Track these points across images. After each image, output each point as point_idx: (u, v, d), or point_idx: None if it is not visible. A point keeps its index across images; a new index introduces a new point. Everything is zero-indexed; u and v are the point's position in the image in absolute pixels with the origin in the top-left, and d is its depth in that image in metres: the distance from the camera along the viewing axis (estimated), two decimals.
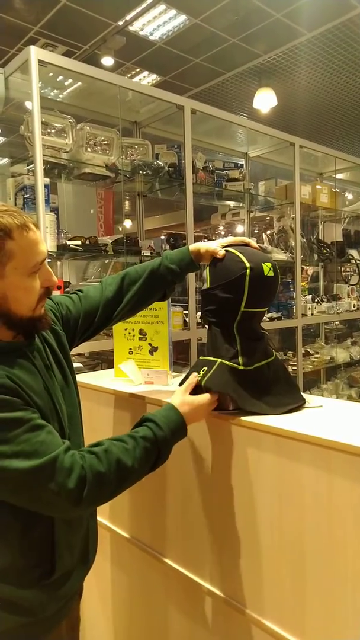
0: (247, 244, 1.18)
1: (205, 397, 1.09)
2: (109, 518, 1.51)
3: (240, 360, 1.12)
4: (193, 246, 1.20)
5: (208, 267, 1.18)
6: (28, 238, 0.89)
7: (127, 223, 5.11)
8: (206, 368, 1.13)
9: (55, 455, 0.84)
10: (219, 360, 1.13)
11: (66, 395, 1.04)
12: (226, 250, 1.15)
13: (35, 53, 1.96)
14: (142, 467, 0.93)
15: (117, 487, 0.90)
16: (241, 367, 1.11)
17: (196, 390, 1.12)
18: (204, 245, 1.19)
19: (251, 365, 1.13)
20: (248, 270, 1.09)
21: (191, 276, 2.57)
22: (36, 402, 0.92)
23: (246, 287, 1.09)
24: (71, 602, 1.06)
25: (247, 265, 1.09)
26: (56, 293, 1.14)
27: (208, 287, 1.16)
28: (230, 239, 1.19)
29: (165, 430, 0.97)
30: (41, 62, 1.99)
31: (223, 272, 1.13)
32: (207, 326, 1.22)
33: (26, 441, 0.83)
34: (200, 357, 1.20)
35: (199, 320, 2.60)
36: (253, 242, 1.19)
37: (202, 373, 1.13)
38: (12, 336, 0.95)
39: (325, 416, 1.09)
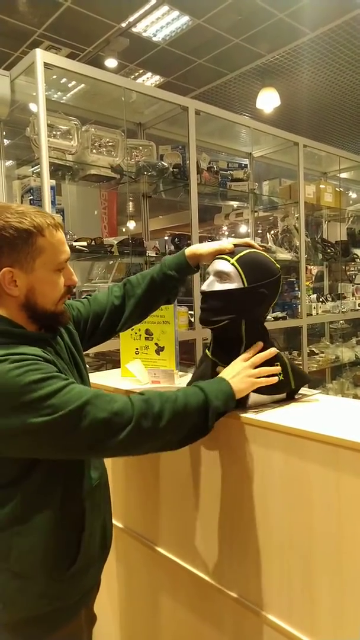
0: (250, 246, 1.21)
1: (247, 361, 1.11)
2: (119, 518, 1.52)
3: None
4: (190, 250, 1.24)
5: (238, 265, 1.15)
6: (57, 237, 0.97)
7: (131, 224, 5.12)
8: (278, 364, 1.16)
9: (96, 390, 0.90)
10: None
11: None
12: (254, 251, 1.20)
13: (41, 56, 1.98)
14: (189, 406, 0.94)
15: (164, 415, 0.91)
16: None
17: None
18: (205, 248, 1.21)
19: None
20: (280, 270, 1.20)
21: (196, 276, 2.58)
22: None
23: (281, 285, 1.21)
24: (90, 591, 1.10)
25: (279, 266, 1.20)
26: None
27: (247, 285, 1.14)
28: (235, 240, 1.21)
29: (209, 387, 1.01)
30: (47, 65, 2.01)
31: (265, 272, 1.17)
32: (236, 326, 1.17)
33: (69, 392, 0.87)
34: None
35: None
36: (255, 243, 1.22)
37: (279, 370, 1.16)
38: (36, 329, 1.01)
39: (332, 414, 1.09)
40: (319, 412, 1.11)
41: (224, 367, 1.18)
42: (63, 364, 1.03)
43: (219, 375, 1.08)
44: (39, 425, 0.83)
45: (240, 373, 1.07)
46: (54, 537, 0.96)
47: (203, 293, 1.19)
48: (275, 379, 1.13)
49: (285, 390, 1.18)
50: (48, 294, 0.97)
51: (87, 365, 2.34)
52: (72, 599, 1.01)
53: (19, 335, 0.95)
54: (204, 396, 0.97)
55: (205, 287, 1.18)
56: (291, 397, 1.21)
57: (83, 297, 1.27)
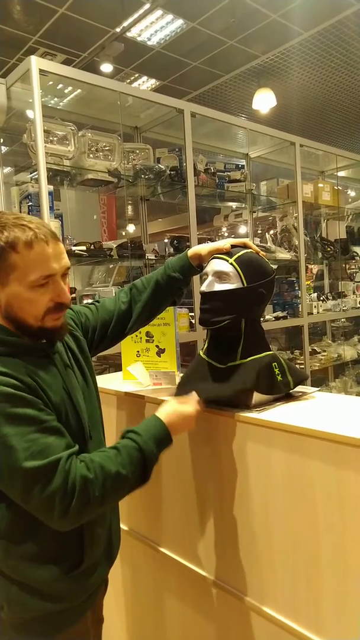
0: (247, 246, 1.22)
1: (192, 404, 1.10)
2: (123, 521, 1.52)
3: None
4: (192, 251, 1.26)
5: (237, 265, 1.16)
6: (34, 253, 0.90)
7: (130, 227, 5.13)
8: (276, 364, 1.17)
9: (57, 457, 0.87)
10: (270, 353, 1.19)
11: (86, 396, 1.08)
12: (250, 251, 1.21)
13: (36, 63, 1.99)
14: (128, 473, 0.93)
15: (105, 494, 0.90)
16: None
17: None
18: (205, 248, 1.23)
19: None
20: (274, 270, 1.22)
21: (196, 278, 2.58)
22: (52, 400, 0.95)
23: (274, 285, 1.22)
24: (96, 593, 1.10)
25: (274, 267, 1.18)
26: None
27: (247, 284, 1.15)
28: (232, 240, 1.22)
29: (146, 437, 0.98)
30: (42, 72, 2.02)
31: (261, 271, 1.19)
32: (239, 325, 1.18)
33: (34, 440, 0.86)
34: (252, 358, 1.17)
35: None
36: (251, 243, 1.23)
37: (277, 371, 1.16)
38: (32, 340, 1.00)
39: (333, 411, 1.10)
40: (320, 410, 1.11)
41: (219, 367, 1.19)
42: (58, 373, 1.01)
43: (157, 412, 1.05)
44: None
45: (178, 415, 1.06)
46: (54, 544, 0.96)
47: (203, 294, 1.19)
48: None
49: (286, 390, 1.19)
50: (26, 309, 0.94)
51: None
52: (78, 600, 1.02)
53: (12, 344, 0.94)
54: (141, 459, 0.96)
55: (204, 287, 1.18)
56: (291, 395, 1.22)
57: (90, 302, 1.28)
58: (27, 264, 0.90)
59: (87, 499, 0.87)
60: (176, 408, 1.07)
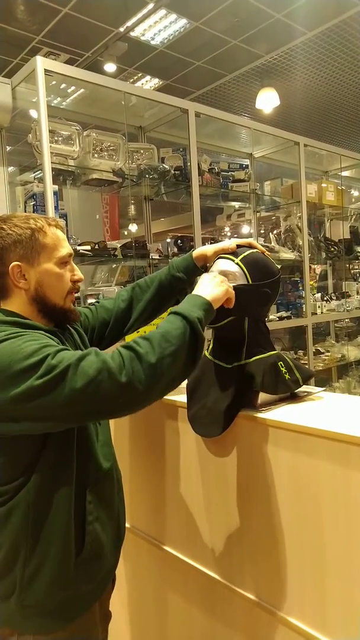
0: (252, 246, 1.23)
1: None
2: (133, 520, 1.52)
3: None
4: (197, 251, 1.26)
5: (243, 265, 1.16)
6: (57, 234, 1.06)
7: (133, 227, 5.14)
8: (282, 362, 1.16)
9: (92, 349, 0.91)
10: (274, 352, 1.19)
11: None
12: (256, 251, 1.21)
13: (41, 63, 1.99)
14: (171, 330, 0.93)
15: (156, 349, 0.89)
16: None
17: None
18: (210, 248, 1.24)
19: None
20: (279, 271, 1.21)
21: None
22: None
23: (280, 286, 1.22)
24: (104, 584, 1.09)
25: (279, 267, 1.22)
26: None
27: (251, 282, 1.15)
28: (237, 240, 1.23)
29: (187, 305, 1.00)
30: (47, 72, 2.02)
31: (266, 271, 1.19)
32: (241, 323, 1.17)
33: (64, 354, 0.88)
34: (257, 358, 1.17)
35: None
36: (257, 243, 1.24)
37: (284, 370, 1.16)
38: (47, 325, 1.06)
39: (339, 411, 1.09)
40: (326, 410, 1.11)
41: (225, 367, 1.19)
42: None
43: (189, 294, 1.07)
44: (43, 385, 0.84)
45: (210, 284, 1.07)
46: (63, 522, 0.97)
47: None
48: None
49: (296, 387, 1.18)
50: (55, 286, 1.04)
51: None
52: (84, 589, 1.01)
53: (30, 326, 0.99)
54: (181, 317, 0.96)
55: None
56: (296, 395, 1.21)
57: (90, 303, 1.30)
58: (55, 242, 1.04)
59: (135, 355, 0.88)
60: (207, 282, 1.07)
